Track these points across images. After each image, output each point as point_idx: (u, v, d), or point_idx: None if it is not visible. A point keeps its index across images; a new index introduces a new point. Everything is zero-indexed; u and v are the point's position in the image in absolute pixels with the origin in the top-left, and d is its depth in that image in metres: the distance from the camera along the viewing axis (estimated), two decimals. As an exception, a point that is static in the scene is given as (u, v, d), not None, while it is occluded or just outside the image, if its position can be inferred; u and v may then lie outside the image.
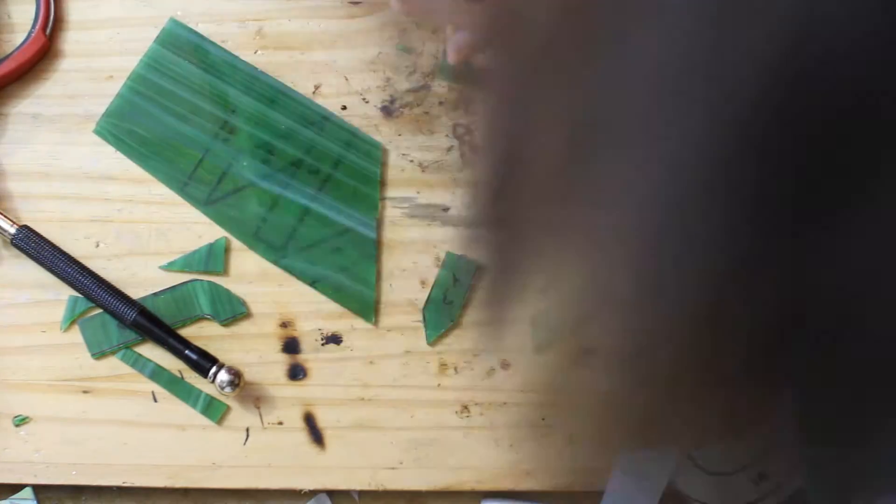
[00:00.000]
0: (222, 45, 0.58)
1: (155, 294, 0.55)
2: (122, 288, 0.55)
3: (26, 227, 0.55)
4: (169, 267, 0.56)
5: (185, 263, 0.56)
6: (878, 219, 0.25)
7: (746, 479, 0.53)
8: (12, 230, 0.54)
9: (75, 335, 0.55)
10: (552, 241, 0.32)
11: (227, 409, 0.54)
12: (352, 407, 0.54)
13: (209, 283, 0.55)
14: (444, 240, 0.56)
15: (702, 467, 0.53)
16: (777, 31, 0.23)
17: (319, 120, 0.57)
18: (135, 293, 0.55)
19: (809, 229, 0.26)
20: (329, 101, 0.58)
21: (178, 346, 0.53)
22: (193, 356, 0.53)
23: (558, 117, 0.29)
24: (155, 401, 0.54)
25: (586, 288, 0.31)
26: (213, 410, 0.54)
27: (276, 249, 0.56)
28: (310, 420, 0.54)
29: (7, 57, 0.57)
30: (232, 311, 0.55)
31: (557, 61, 0.29)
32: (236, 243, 0.56)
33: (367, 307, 0.55)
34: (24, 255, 0.55)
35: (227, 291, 0.55)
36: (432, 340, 0.55)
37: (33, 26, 0.58)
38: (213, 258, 0.56)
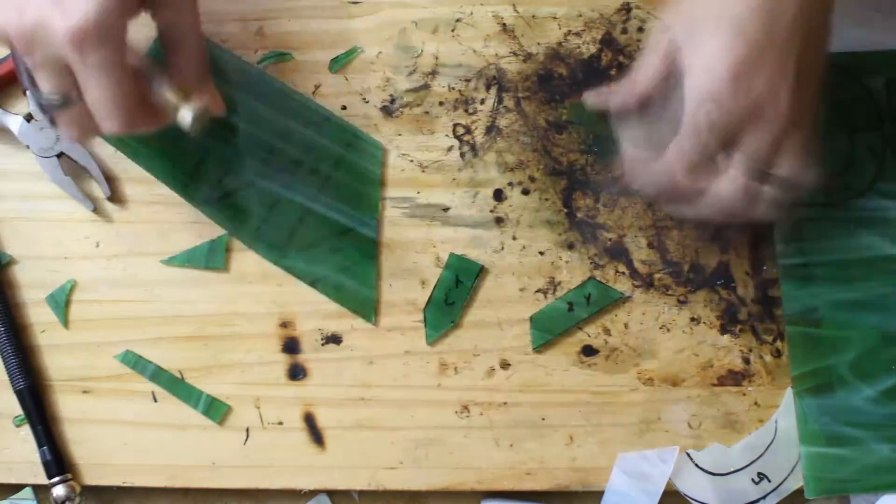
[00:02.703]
0: (222, 45, 0.58)
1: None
2: (122, 288, 0.55)
3: None
4: (170, 262, 0.56)
5: (186, 258, 0.56)
6: None
7: (746, 479, 0.53)
8: None
9: (75, 335, 0.55)
10: None
11: (228, 409, 0.54)
12: (352, 407, 0.54)
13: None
14: (444, 240, 0.56)
15: (702, 467, 0.53)
16: None
17: (319, 120, 0.57)
18: (135, 293, 0.55)
19: None
20: (329, 101, 0.58)
21: (43, 436, 0.53)
22: (47, 456, 0.53)
23: None
24: (155, 401, 0.54)
25: None
26: (215, 411, 0.54)
27: (276, 249, 0.56)
28: (310, 420, 0.54)
29: (7, 57, 0.57)
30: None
31: None
32: (237, 243, 0.56)
33: (368, 307, 0.55)
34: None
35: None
36: (432, 340, 0.55)
37: (33, 26, 0.58)
38: (215, 254, 0.56)
